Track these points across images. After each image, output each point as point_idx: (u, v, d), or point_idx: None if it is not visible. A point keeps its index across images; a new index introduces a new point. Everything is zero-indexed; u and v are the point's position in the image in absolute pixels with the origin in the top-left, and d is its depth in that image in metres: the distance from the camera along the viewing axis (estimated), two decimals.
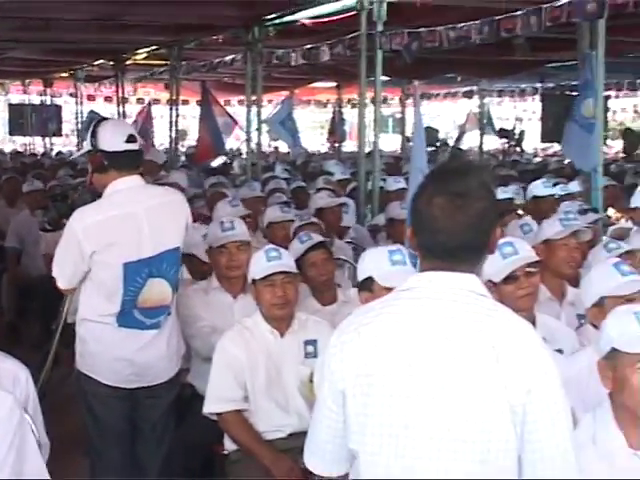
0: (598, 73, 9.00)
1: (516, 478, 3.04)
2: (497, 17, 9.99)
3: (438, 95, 31.67)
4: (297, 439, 5.48)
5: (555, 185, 11.35)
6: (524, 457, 3.02)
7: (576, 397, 4.67)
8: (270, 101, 27.79)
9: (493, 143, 29.54)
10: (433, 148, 25.85)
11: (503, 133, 28.25)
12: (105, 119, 6.75)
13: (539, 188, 10.69)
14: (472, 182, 3.13)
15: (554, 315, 6.14)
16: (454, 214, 3.09)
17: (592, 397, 4.17)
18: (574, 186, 10.78)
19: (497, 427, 2.98)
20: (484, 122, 27.29)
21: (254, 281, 5.74)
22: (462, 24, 10.71)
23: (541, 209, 9.80)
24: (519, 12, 9.35)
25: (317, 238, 6.89)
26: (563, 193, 10.69)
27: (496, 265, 5.18)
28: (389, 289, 4.66)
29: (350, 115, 30.06)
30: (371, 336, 3.14)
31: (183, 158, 22.16)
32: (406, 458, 3.06)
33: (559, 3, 8.71)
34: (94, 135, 5.82)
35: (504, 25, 9.75)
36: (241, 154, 23.21)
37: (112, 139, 5.75)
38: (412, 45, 11.12)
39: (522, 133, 29.60)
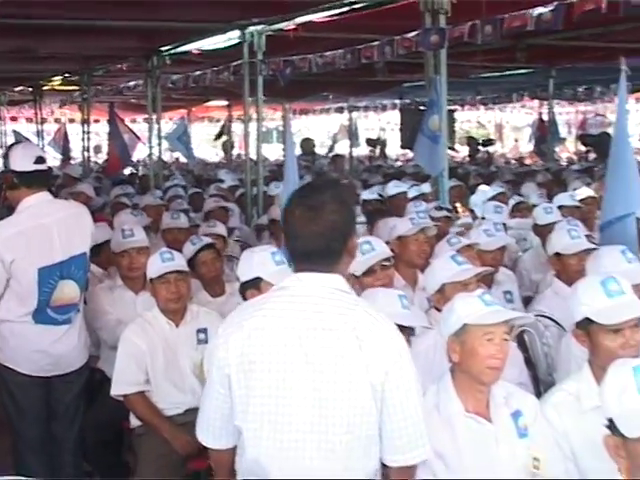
0: (442, 94, 9.13)
1: (377, 444, 3.15)
2: (358, 46, 10.08)
3: (315, 111, 31.84)
4: (192, 414, 5.44)
5: (412, 187, 11.47)
6: (383, 427, 3.14)
7: (423, 370, 4.75)
8: (171, 118, 27.64)
9: (361, 150, 29.70)
10: (311, 155, 26.06)
11: (369, 142, 28.45)
12: (19, 142, 6.69)
13: (391, 188, 10.85)
14: (325, 197, 3.20)
15: (408, 299, 6.22)
16: (307, 224, 3.19)
17: (437, 370, 4.21)
18: (426, 187, 10.88)
19: (361, 403, 3.08)
20: (353, 133, 27.53)
21: (151, 280, 5.74)
22: (329, 52, 10.79)
23: (394, 205, 9.97)
24: (376, 42, 9.42)
25: (206, 240, 6.93)
26: (417, 193, 10.81)
27: (356, 260, 5.26)
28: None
29: (240, 129, 29.99)
30: (252, 328, 3.21)
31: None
32: (284, 433, 3.14)
33: (408, 35, 8.81)
34: (6, 157, 5.83)
35: (364, 53, 9.86)
36: (145, 165, 23.09)
37: (22, 161, 5.71)
38: (286, 70, 11.21)
39: (385, 141, 29.82)
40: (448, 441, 3.80)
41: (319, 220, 3.17)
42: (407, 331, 4.40)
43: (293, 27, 11.04)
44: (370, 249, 5.66)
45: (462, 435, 3.82)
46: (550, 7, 7.11)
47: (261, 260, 5.17)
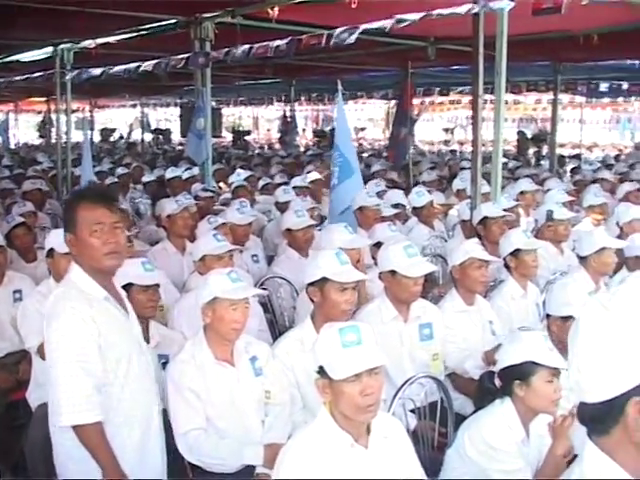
0: (207, 102, 9.06)
1: None
2: (142, 62, 9.77)
3: (116, 106, 31.10)
4: (11, 357, 5.42)
5: (186, 170, 11.25)
6: None
7: (187, 324, 4.69)
8: (1, 110, 26.53)
9: (149, 137, 28.93)
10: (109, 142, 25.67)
11: (157, 131, 27.93)
12: None
13: (169, 172, 10.67)
14: None
15: (178, 265, 6.17)
16: None
17: (196, 324, 4.07)
18: (196, 170, 10.68)
19: None
20: (144, 123, 27.01)
21: None
22: (120, 66, 10.40)
23: (172, 186, 9.82)
24: (155, 60, 9.14)
25: (18, 219, 6.66)
26: (189, 175, 10.62)
27: None
28: (64, 254, 4.54)
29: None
30: None
31: None
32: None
33: (181, 56, 8.61)
34: None
35: (145, 68, 9.52)
36: None
37: None
38: (82, 76, 10.84)
39: (168, 130, 29.14)
40: (201, 382, 3.72)
41: None
42: (153, 287, 4.42)
43: (94, 46, 10.81)
44: None
45: (211, 377, 3.75)
46: (286, 41, 7.14)
47: (54, 235, 4.76)
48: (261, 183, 10.49)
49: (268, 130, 36.43)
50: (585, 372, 1.48)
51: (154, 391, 3.39)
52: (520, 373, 3.36)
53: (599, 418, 1.49)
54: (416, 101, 23.30)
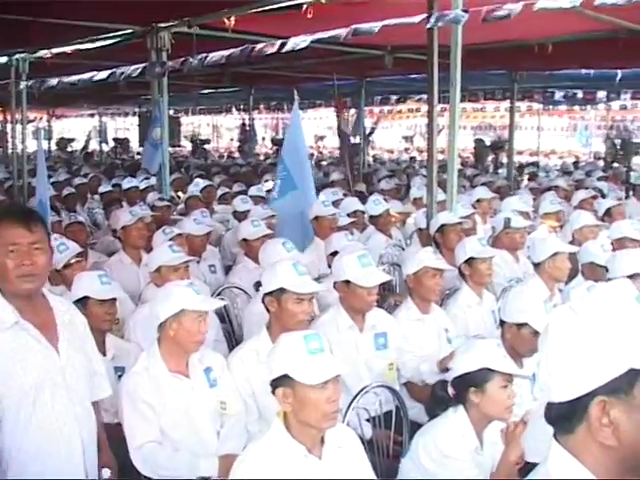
0: (164, 111, 9.03)
1: None
2: (97, 71, 9.69)
3: (75, 115, 30.83)
4: None
5: (143, 180, 11.15)
6: None
7: (143, 335, 4.64)
8: None
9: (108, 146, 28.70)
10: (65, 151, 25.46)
11: (116, 140, 27.68)
12: None
13: (125, 183, 10.62)
14: None
15: (133, 276, 6.11)
16: None
17: (151, 335, 4.03)
18: (154, 180, 10.55)
19: None
20: (103, 133, 26.83)
21: None
22: (75, 77, 10.32)
23: (128, 197, 9.76)
24: (111, 71, 9.06)
25: None
26: (147, 185, 10.54)
27: (55, 258, 4.86)
28: None
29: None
30: None
31: None
32: None
33: (138, 66, 8.56)
34: None
35: (99, 77, 9.46)
36: None
37: None
38: (37, 86, 10.74)
39: (126, 139, 28.84)
40: (155, 394, 3.70)
41: None
42: (110, 300, 4.42)
43: (50, 56, 10.70)
44: (65, 248, 5.38)
45: (166, 388, 3.73)
46: (240, 48, 7.15)
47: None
48: (219, 192, 10.44)
49: (231, 140, 36.26)
50: (554, 373, 1.52)
51: (77, 426, 3.01)
52: (475, 380, 3.38)
53: (565, 417, 1.52)
54: (376, 109, 23.54)
